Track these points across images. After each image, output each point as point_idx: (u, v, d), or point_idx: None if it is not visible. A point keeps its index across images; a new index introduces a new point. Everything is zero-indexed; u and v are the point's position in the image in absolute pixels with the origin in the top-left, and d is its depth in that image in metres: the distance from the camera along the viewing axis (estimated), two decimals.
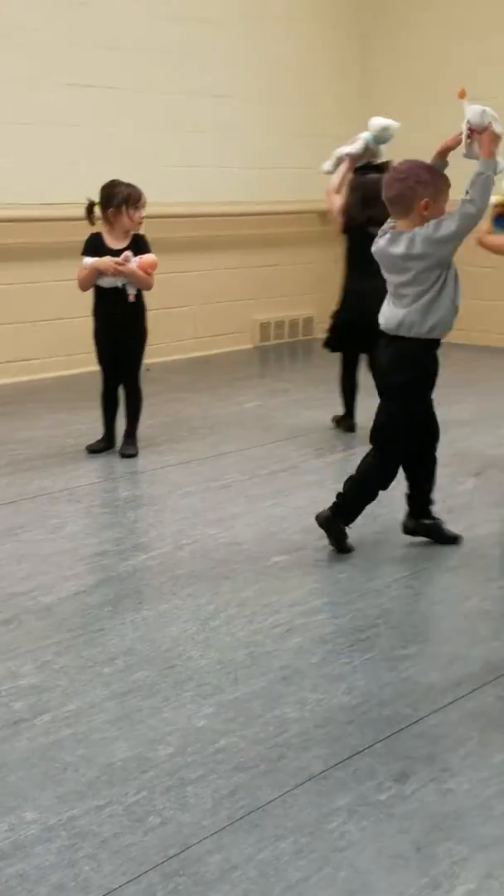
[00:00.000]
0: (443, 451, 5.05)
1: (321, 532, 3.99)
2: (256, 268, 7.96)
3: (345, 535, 3.82)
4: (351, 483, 3.81)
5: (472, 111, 3.43)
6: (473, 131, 3.45)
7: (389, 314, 3.60)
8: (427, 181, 3.44)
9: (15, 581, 3.51)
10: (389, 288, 3.61)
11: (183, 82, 7.31)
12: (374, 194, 4.13)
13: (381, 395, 3.76)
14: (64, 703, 2.71)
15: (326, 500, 4.39)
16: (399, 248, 3.48)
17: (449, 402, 5.95)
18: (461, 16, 7.81)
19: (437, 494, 4.49)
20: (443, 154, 3.56)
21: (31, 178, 6.59)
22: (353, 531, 4.01)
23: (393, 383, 3.65)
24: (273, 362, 7.68)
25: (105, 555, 3.77)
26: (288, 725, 2.61)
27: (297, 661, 2.95)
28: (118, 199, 4.83)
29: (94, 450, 5.04)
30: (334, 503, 3.82)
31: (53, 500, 4.38)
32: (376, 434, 3.76)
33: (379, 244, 3.57)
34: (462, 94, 3.44)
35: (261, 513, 4.26)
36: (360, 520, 4.13)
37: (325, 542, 3.89)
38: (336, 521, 3.81)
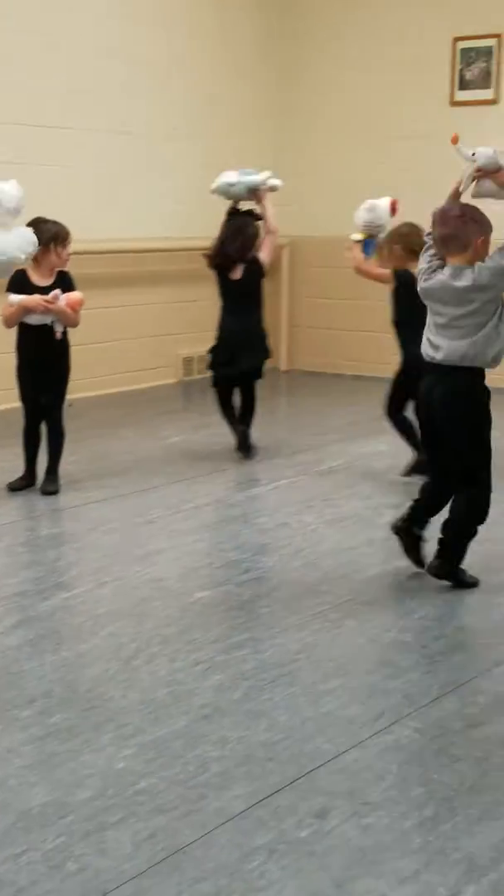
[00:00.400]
0: (364, 484, 5.12)
1: (245, 566, 4.00)
2: (180, 303, 7.98)
3: (464, 574, 3.82)
4: (450, 527, 3.78)
5: (484, 155, 3.65)
6: (482, 171, 3.68)
7: (448, 347, 3.66)
8: (481, 220, 3.65)
9: None
10: (439, 321, 3.69)
11: (104, 119, 7.34)
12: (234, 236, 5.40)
13: (434, 433, 3.78)
14: None
15: (249, 534, 4.41)
16: (464, 282, 3.59)
17: (364, 436, 6.02)
18: (377, 50, 7.97)
19: (358, 526, 4.54)
20: (457, 196, 3.72)
21: None
22: (275, 567, 4.02)
23: (455, 415, 3.70)
24: (197, 397, 7.68)
25: (24, 594, 3.72)
26: (209, 765, 2.60)
27: (218, 699, 2.95)
28: (46, 237, 4.81)
29: (15, 487, 4.99)
30: (438, 550, 3.79)
31: None
32: (458, 475, 3.77)
33: (439, 279, 3.66)
34: (455, 140, 3.66)
35: (184, 548, 4.26)
36: (282, 554, 4.15)
37: (248, 576, 3.90)
38: (447, 566, 3.79)
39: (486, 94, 7.48)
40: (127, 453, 5.77)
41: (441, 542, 3.80)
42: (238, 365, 5.62)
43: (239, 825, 2.35)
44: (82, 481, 5.18)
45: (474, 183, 3.71)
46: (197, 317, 8.11)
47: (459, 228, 3.62)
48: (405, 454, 5.58)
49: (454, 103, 7.59)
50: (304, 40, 8.31)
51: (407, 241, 5.03)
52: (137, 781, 2.52)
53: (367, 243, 5.28)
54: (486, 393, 3.73)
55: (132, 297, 7.64)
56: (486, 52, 7.43)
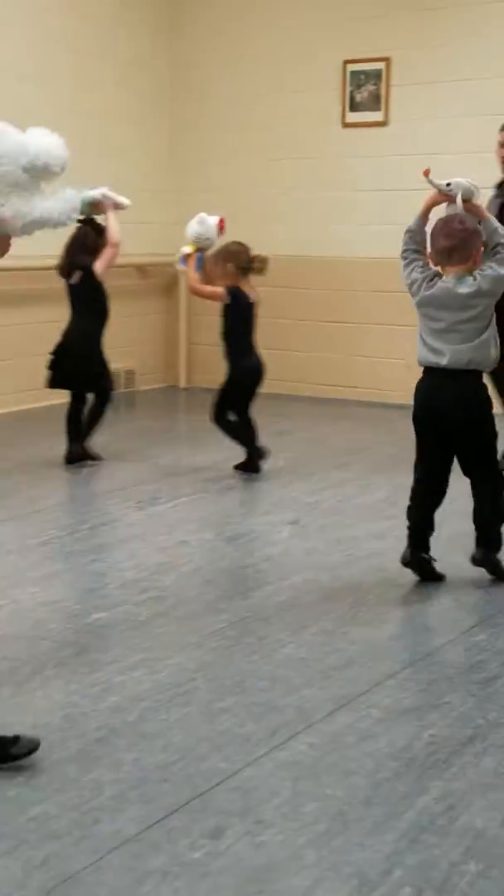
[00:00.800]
0: (262, 500, 5.16)
1: (141, 587, 3.99)
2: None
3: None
4: (487, 515, 4.03)
5: (461, 186, 3.90)
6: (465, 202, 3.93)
7: (452, 351, 3.87)
8: (479, 232, 3.89)
9: None
10: (436, 326, 3.90)
11: None
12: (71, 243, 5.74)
13: (439, 435, 3.97)
14: None
15: (147, 553, 4.40)
16: (467, 288, 3.84)
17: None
18: (270, 72, 8.06)
19: (255, 543, 4.58)
20: (426, 216, 4.01)
21: None
22: (173, 586, 4.02)
23: (472, 416, 3.93)
24: None
25: None
26: (103, 788, 2.58)
27: (113, 721, 2.93)
28: None
29: None
30: (481, 539, 4.04)
31: None
32: (481, 471, 4.02)
33: (441, 286, 3.87)
34: (427, 174, 3.92)
35: (81, 569, 4.22)
36: (180, 573, 4.15)
37: (146, 596, 3.89)
38: (491, 554, 4.04)
39: (377, 115, 7.64)
40: (22, 473, 5.70)
41: (480, 530, 4.04)
42: (66, 367, 5.78)
43: (132, 849, 2.34)
44: None
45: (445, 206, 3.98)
46: (119, 332, 8.07)
47: (465, 240, 3.85)
48: (304, 473, 5.64)
49: (346, 125, 7.73)
50: (198, 62, 8.37)
51: (238, 259, 5.46)
52: (29, 808, 2.49)
53: (198, 258, 5.53)
54: (487, 390, 4.02)
55: (27, 316, 7.56)
56: (376, 75, 7.58)
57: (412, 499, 4.07)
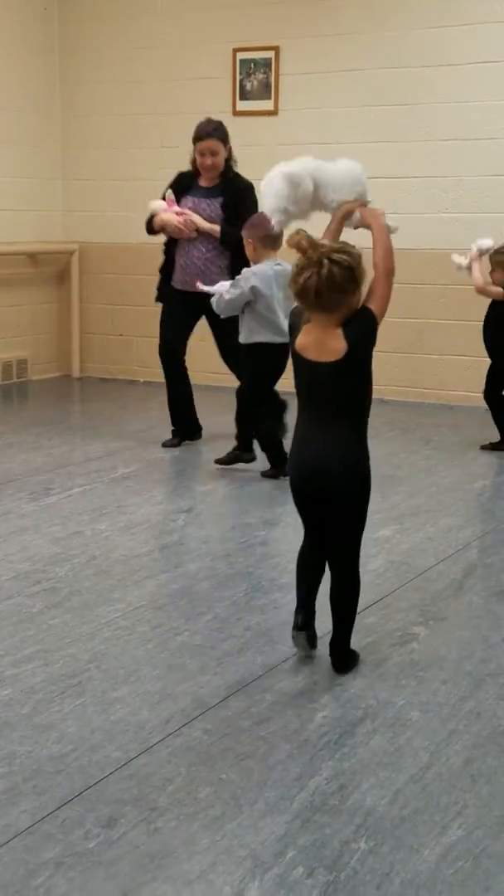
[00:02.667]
0: (157, 489, 5.15)
1: (35, 578, 3.95)
2: None
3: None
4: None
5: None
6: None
7: None
8: None
9: None
10: None
11: None
12: None
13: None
14: None
15: (41, 544, 4.36)
16: None
17: (157, 442, 6.04)
18: (161, 59, 8.01)
19: (150, 532, 4.57)
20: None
21: None
22: (67, 576, 3.99)
23: None
24: (15, 401, 7.53)
25: None
26: None
27: (6, 714, 2.90)
28: None
29: None
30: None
31: None
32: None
33: None
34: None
35: None
36: (74, 563, 4.12)
37: (39, 588, 3.85)
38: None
39: (266, 104, 7.66)
40: None
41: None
42: None
43: (25, 841, 2.32)
44: None
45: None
46: (11, 321, 7.94)
47: None
48: (197, 458, 5.66)
49: (236, 113, 7.73)
50: (87, 47, 8.27)
51: None
52: None
53: None
54: None
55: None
56: (265, 64, 7.60)
57: None
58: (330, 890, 2.18)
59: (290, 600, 3.78)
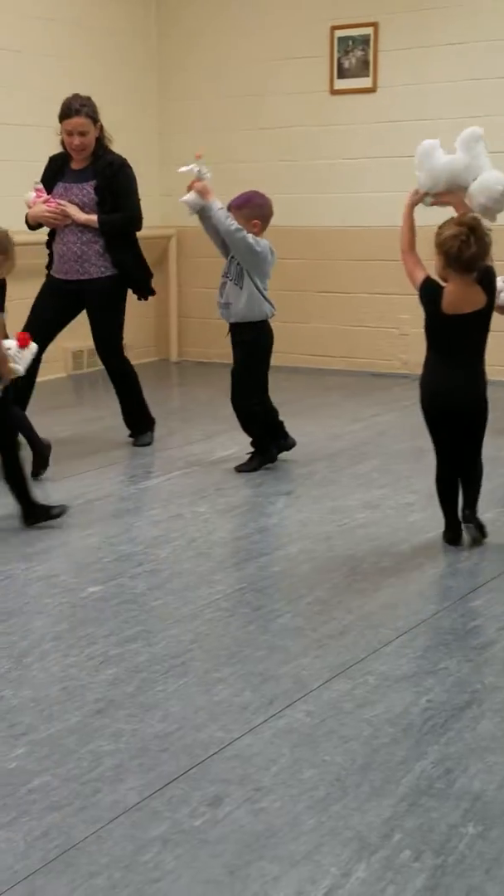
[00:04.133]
0: (256, 472, 5.15)
1: (137, 559, 4.00)
2: None
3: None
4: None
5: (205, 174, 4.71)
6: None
7: None
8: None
9: None
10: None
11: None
12: None
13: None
14: None
15: (142, 526, 4.41)
16: None
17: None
18: (257, 39, 7.99)
19: (249, 515, 4.58)
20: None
21: None
22: (168, 558, 4.02)
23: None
24: (87, 390, 7.63)
25: None
26: (102, 759, 2.59)
27: (111, 693, 2.94)
28: None
29: None
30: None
31: None
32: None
33: None
34: (199, 156, 4.72)
35: (76, 544, 4.22)
36: (175, 546, 4.15)
37: (141, 569, 3.89)
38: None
39: (364, 82, 7.57)
40: None
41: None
42: None
43: (133, 818, 2.35)
44: None
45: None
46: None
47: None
48: (297, 444, 5.63)
49: (334, 92, 7.67)
50: (185, 32, 8.29)
51: None
52: (30, 780, 2.50)
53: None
54: None
55: (15, 292, 7.50)
56: (364, 41, 7.51)
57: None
58: (438, 874, 2.16)
59: (392, 583, 3.76)
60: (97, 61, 7.94)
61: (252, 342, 5.11)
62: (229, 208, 5.04)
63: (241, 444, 5.72)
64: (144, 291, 5.72)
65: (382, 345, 7.80)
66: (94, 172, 5.49)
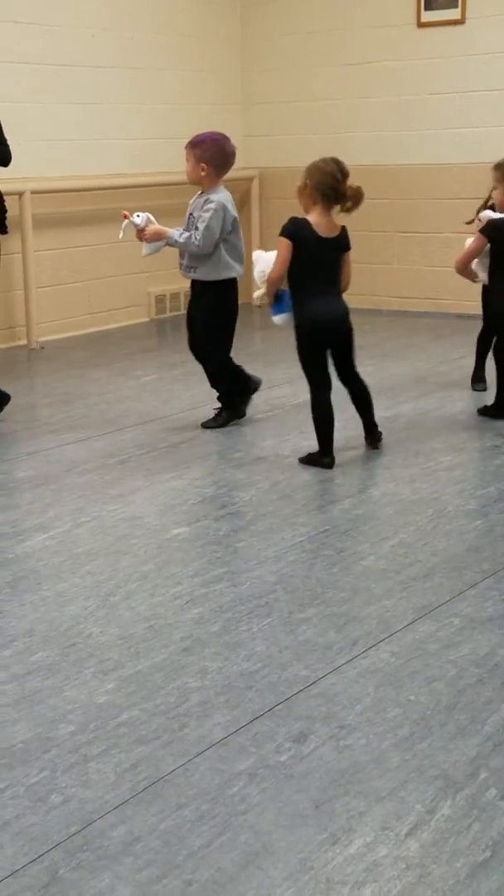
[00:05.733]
0: (339, 415, 5.12)
1: (220, 502, 4.02)
2: None
3: None
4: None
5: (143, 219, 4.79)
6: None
7: None
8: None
9: None
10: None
11: (77, 55, 7.19)
12: None
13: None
14: None
15: (224, 469, 4.43)
16: None
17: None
18: None
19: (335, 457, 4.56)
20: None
21: None
22: (251, 501, 4.04)
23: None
24: (169, 335, 7.66)
25: (2, 537, 3.73)
26: (189, 695, 2.64)
27: (197, 631, 2.98)
28: None
29: None
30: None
31: None
32: None
33: None
34: (126, 215, 4.83)
35: (160, 486, 4.27)
36: (258, 489, 4.17)
37: (224, 511, 3.92)
38: None
39: (453, 13, 7.35)
40: (100, 394, 5.75)
41: None
42: None
43: (219, 752, 2.39)
44: (56, 423, 5.17)
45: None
46: (165, 254, 8.03)
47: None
48: (382, 388, 5.58)
49: (421, 24, 7.47)
50: None
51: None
52: (119, 714, 2.55)
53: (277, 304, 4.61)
54: None
55: (99, 237, 7.55)
56: None
57: None
58: None
59: (477, 526, 3.72)
60: (177, 1, 7.85)
61: (215, 303, 4.96)
62: (187, 144, 4.88)
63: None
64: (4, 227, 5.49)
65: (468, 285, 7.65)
66: None
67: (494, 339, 5.21)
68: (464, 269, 5.07)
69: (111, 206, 7.57)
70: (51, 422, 5.19)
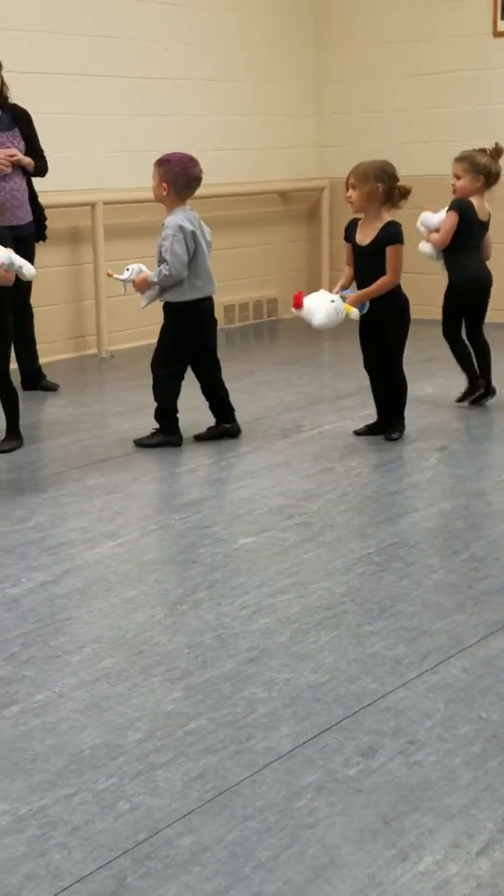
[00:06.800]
0: (409, 427, 5.08)
1: (288, 513, 4.01)
2: (218, 250, 7.87)
3: None
4: None
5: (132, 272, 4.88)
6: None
7: None
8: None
9: None
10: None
11: (173, 67, 7.26)
12: None
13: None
14: (32, 694, 2.71)
15: (293, 480, 4.42)
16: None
17: (411, 380, 5.97)
18: None
19: (403, 470, 4.52)
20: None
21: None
22: (319, 512, 4.03)
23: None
24: (238, 344, 7.67)
25: (72, 543, 3.76)
26: (256, 706, 2.62)
27: (264, 642, 2.97)
28: None
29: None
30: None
31: (19, 490, 4.37)
32: None
33: None
34: (110, 274, 5.00)
35: (227, 496, 4.27)
36: (326, 499, 4.15)
37: (292, 522, 3.91)
38: None
39: None
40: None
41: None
42: None
43: (287, 764, 2.37)
44: (125, 432, 5.20)
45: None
46: (235, 264, 8.07)
47: None
48: (450, 397, 5.53)
49: (497, 34, 7.40)
50: None
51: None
52: (186, 723, 2.55)
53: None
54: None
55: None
56: None
57: None
58: None
59: None
60: (251, 11, 7.88)
61: (172, 322, 4.91)
62: (155, 161, 4.87)
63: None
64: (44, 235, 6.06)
65: None
66: (13, 119, 5.78)
67: (465, 327, 5.39)
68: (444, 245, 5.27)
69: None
70: (120, 430, 5.22)
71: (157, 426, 4.99)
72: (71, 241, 7.02)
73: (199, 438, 5.01)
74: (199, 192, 7.71)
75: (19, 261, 4.60)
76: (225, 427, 5.04)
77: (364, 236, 4.80)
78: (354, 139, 8.20)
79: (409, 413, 5.32)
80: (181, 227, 4.76)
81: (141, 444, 4.94)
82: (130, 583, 3.40)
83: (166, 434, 4.95)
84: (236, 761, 2.39)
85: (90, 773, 2.36)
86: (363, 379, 6.09)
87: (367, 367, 5.07)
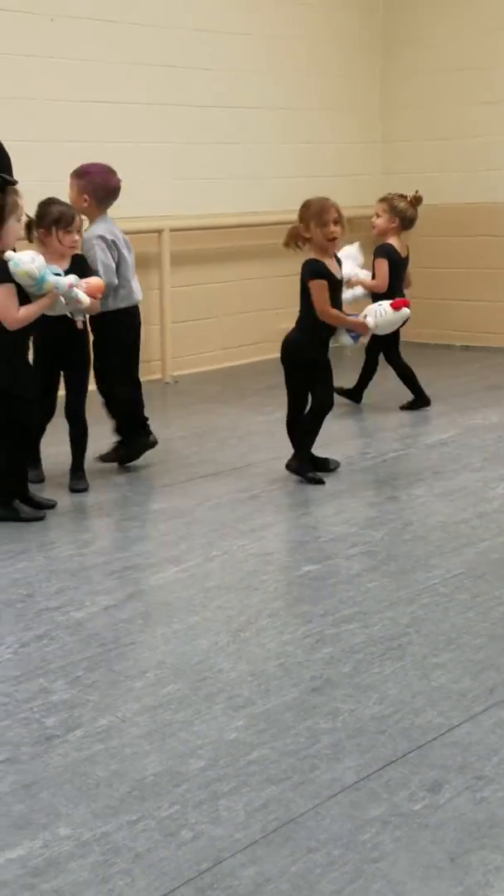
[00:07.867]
0: (474, 455, 5.03)
1: (352, 541, 3.98)
2: (279, 277, 7.93)
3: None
4: None
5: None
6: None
7: None
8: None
9: (46, 596, 3.52)
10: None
11: (211, 95, 7.34)
12: None
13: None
14: (95, 719, 2.71)
15: (356, 508, 4.39)
16: None
17: (474, 407, 5.91)
18: (489, 9, 7.78)
19: (468, 499, 4.47)
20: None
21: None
22: (383, 540, 3.99)
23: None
24: None
25: (135, 568, 3.77)
26: (319, 736, 2.60)
27: (328, 672, 2.94)
28: (48, 219, 4.50)
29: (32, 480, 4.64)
30: None
31: (83, 514, 4.40)
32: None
33: None
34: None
35: (290, 522, 4.26)
36: (390, 528, 4.12)
37: (356, 550, 3.88)
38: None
39: None
40: (231, 429, 5.79)
41: None
42: None
43: (351, 797, 2.34)
44: (189, 457, 5.22)
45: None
46: (296, 290, 8.08)
47: None
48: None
49: None
50: (409, 4, 8.16)
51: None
52: (249, 752, 2.53)
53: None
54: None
55: (233, 273, 7.64)
56: None
57: None
58: None
59: None
60: (318, 39, 7.93)
61: (102, 331, 4.83)
62: (72, 173, 4.81)
63: (458, 428, 5.61)
64: None
65: None
66: None
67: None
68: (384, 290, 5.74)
69: (246, 244, 7.67)
70: (184, 455, 5.24)
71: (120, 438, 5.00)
72: (139, 266, 7.09)
73: (105, 459, 4.98)
74: (268, 219, 7.80)
75: (82, 295, 4.23)
76: (125, 445, 5.00)
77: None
78: (421, 166, 8.19)
79: (473, 441, 5.28)
80: (102, 237, 4.76)
81: (106, 459, 4.95)
82: (193, 608, 3.40)
83: (129, 447, 4.96)
84: (299, 792, 2.37)
85: (153, 799, 2.36)
86: (429, 406, 6.07)
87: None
